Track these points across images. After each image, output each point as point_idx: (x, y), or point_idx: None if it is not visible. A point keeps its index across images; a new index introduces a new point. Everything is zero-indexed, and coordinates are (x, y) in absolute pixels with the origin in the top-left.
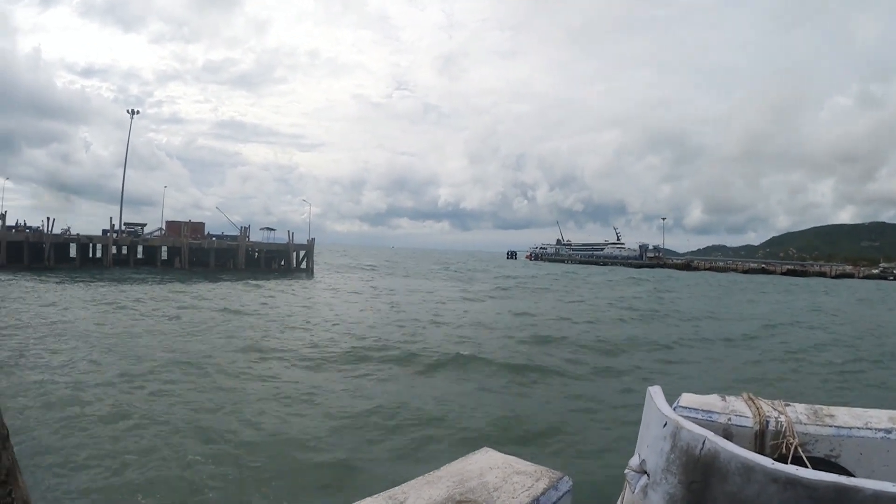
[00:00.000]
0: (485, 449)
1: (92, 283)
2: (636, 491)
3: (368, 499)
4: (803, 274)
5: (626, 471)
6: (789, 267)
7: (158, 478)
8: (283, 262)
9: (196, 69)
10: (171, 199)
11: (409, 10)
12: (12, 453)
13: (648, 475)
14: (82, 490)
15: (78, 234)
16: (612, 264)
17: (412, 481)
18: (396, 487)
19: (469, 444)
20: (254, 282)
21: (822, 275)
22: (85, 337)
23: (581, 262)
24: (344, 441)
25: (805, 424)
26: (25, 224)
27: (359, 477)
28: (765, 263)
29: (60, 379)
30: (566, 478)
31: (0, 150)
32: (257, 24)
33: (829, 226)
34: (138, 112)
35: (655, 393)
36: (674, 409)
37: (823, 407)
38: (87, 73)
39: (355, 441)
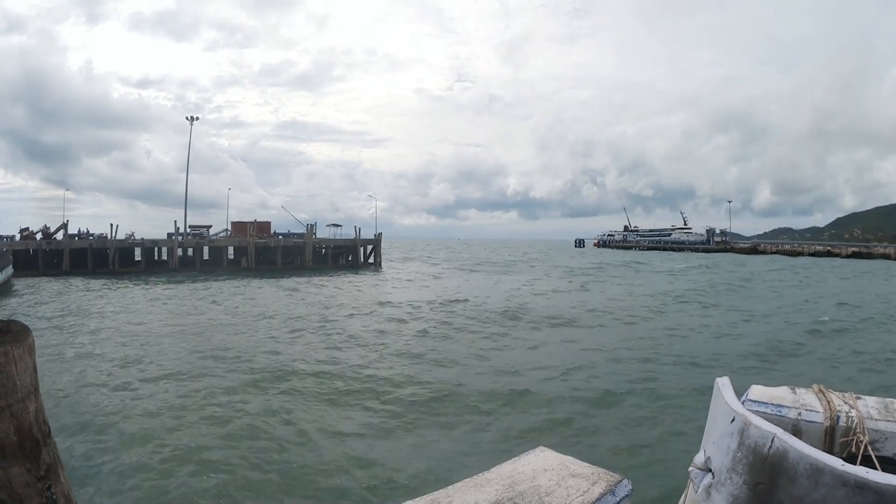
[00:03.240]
0: (540, 448)
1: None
2: (699, 490)
3: (409, 502)
4: (868, 256)
5: (691, 468)
6: (854, 249)
7: None
8: (350, 258)
9: (253, 73)
10: (237, 201)
11: (463, 0)
12: (54, 449)
13: (713, 474)
14: None
15: (143, 239)
16: (680, 250)
17: (459, 483)
18: (441, 490)
19: None
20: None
21: (887, 257)
22: None
23: (649, 249)
24: None
25: (876, 420)
26: (88, 232)
27: None
28: (830, 246)
29: None
30: (625, 481)
31: (60, 162)
32: (312, 26)
33: (893, 205)
34: (198, 118)
35: (724, 385)
36: (742, 403)
37: (895, 401)
38: (143, 84)
39: None
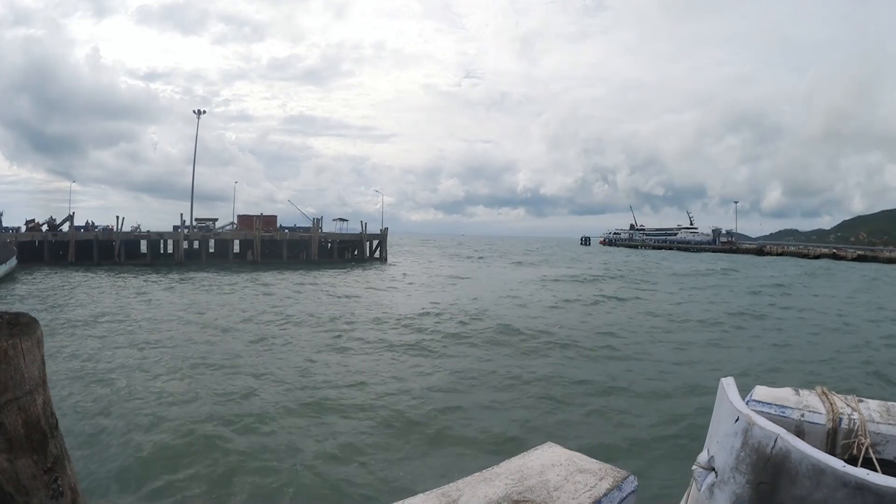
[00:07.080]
0: (548, 444)
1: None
2: (702, 489)
3: (420, 495)
4: (874, 259)
5: (694, 467)
6: (860, 252)
7: None
8: (356, 252)
9: (261, 67)
10: (244, 194)
11: None
12: (61, 442)
13: (716, 473)
14: None
15: (148, 231)
16: (686, 249)
17: (468, 477)
18: (451, 484)
19: None
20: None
21: (893, 261)
22: None
23: (654, 248)
24: None
25: (877, 423)
26: (93, 224)
27: None
28: (836, 248)
29: None
30: (631, 477)
31: (66, 154)
32: (321, 21)
33: None
34: (205, 112)
35: (728, 385)
36: (746, 403)
37: None
38: (150, 77)
39: None
